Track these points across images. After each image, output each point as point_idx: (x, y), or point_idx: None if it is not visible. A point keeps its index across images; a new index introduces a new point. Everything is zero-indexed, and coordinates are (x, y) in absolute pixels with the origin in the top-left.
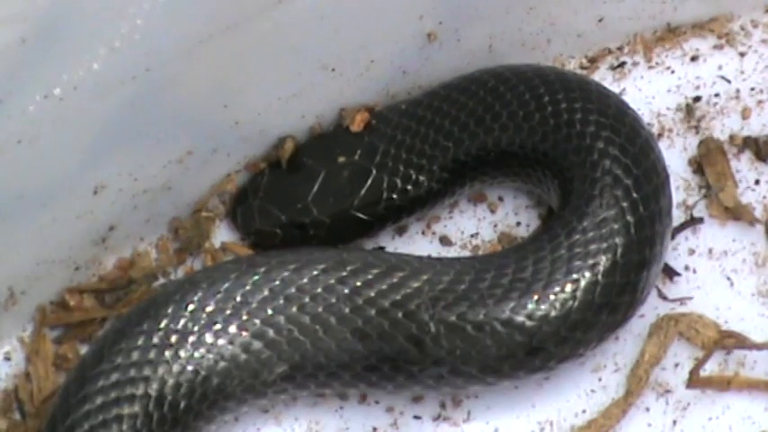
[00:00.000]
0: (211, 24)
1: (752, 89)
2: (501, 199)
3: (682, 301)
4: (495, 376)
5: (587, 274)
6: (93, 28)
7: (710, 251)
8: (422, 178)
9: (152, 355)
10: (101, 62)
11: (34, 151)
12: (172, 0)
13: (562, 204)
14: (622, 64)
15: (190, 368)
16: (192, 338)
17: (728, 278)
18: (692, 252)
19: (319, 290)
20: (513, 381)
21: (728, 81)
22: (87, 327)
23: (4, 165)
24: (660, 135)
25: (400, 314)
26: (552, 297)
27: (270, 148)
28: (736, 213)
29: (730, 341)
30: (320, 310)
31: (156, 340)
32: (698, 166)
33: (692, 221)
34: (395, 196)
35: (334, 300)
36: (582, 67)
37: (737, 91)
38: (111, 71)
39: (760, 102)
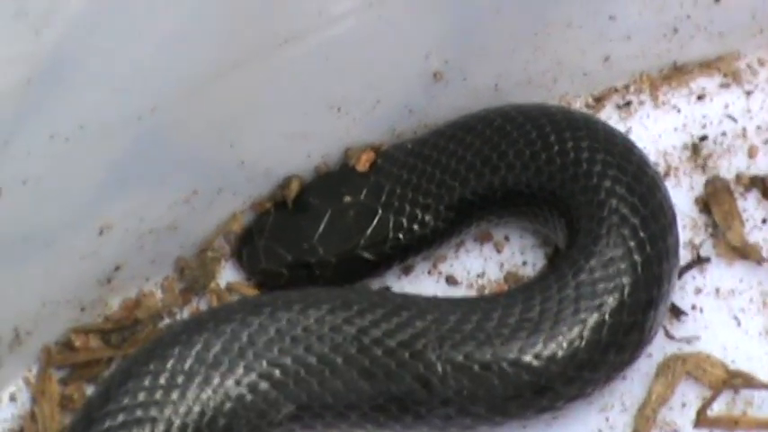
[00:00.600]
0: (217, 64)
1: (758, 128)
2: (507, 238)
3: (689, 340)
4: (502, 416)
5: (595, 314)
6: (99, 68)
7: (717, 290)
8: (428, 218)
9: (159, 395)
10: (106, 102)
11: (39, 192)
12: (176, 40)
13: (569, 243)
14: (628, 103)
15: (197, 409)
16: (198, 379)
17: (736, 317)
18: (698, 291)
19: (326, 330)
20: (520, 420)
21: (735, 120)
22: (93, 367)
23: (9, 205)
24: (667, 174)
25: (407, 354)
26: (560, 337)
27: (275, 187)
28: (744, 252)
29: (738, 381)
30: (327, 350)
31: (162, 381)
32: (704, 205)
33: (699, 261)
34: (401, 236)
35: (340, 340)
36: (588, 106)
37: (744, 130)
38: (116, 111)
39: (766, 140)
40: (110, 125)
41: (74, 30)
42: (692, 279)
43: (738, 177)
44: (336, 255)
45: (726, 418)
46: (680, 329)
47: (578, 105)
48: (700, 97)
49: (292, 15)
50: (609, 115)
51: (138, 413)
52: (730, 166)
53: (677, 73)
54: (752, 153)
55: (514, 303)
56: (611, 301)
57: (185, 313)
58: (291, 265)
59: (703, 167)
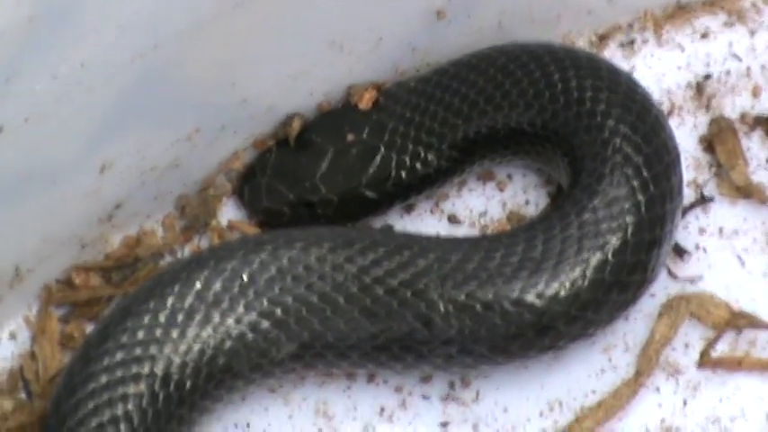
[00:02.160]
0: (219, 2)
1: (763, 67)
2: (510, 177)
3: (692, 280)
4: (504, 356)
5: (597, 254)
6: (101, 5)
7: (721, 230)
8: (430, 156)
9: (158, 333)
10: (108, 40)
11: (41, 130)
12: None
13: (572, 183)
14: (632, 41)
15: (196, 347)
16: (198, 317)
17: (739, 257)
18: (702, 231)
19: (327, 269)
20: (522, 360)
21: (739, 59)
22: (94, 305)
23: (10, 144)
24: (670, 113)
25: (409, 293)
26: (562, 276)
27: (277, 125)
28: (747, 192)
29: (741, 321)
30: (328, 289)
31: (162, 319)
32: (708, 144)
33: (703, 200)
34: (403, 174)
35: (342, 279)
36: (591, 44)
37: (748, 69)
38: (118, 49)
39: None
40: (112, 63)
41: None
42: (696, 219)
43: (743, 116)
44: (338, 193)
45: (729, 359)
46: (683, 269)
47: (582, 43)
48: (703, 36)
49: None
50: (612, 54)
51: (138, 351)
52: (734, 106)
53: (681, 11)
54: (756, 92)
55: (517, 243)
56: (614, 240)
57: (186, 251)
58: (293, 203)
59: (707, 106)
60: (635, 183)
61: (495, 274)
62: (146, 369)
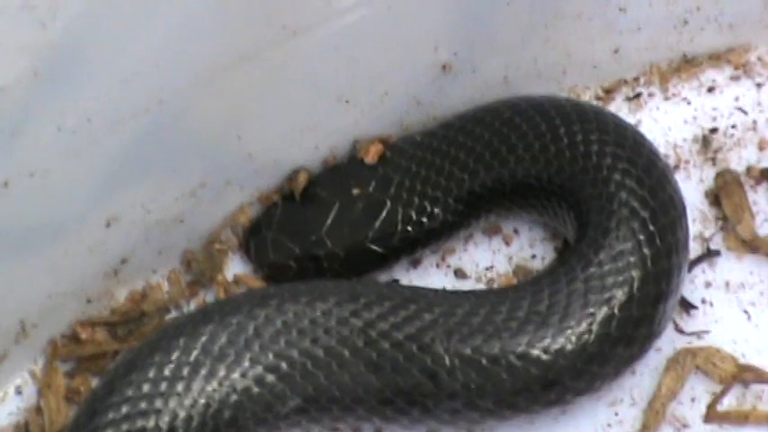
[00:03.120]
0: (225, 56)
1: None
2: (516, 231)
3: (699, 334)
4: (510, 410)
5: (603, 308)
6: (106, 60)
7: (727, 284)
8: (437, 210)
9: (163, 387)
10: (114, 94)
11: (46, 184)
12: (185, 32)
13: (578, 237)
14: (638, 95)
15: (201, 401)
16: (203, 371)
17: (746, 311)
18: (708, 285)
19: (333, 323)
20: (528, 415)
21: (745, 112)
22: (99, 360)
23: (16, 197)
24: (676, 167)
25: (415, 347)
26: (568, 330)
27: (283, 180)
28: (754, 246)
29: (748, 375)
30: (334, 343)
31: (167, 373)
32: (715, 198)
33: (709, 254)
34: (410, 228)
35: (347, 333)
36: (597, 98)
37: (754, 122)
38: (123, 103)
39: None
40: (117, 117)
41: (81, 22)
42: (702, 272)
43: (749, 170)
44: (345, 247)
45: (736, 413)
46: (690, 323)
47: (588, 97)
48: (710, 89)
49: (301, 7)
50: (618, 107)
51: (143, 405)
52: (740, 159)
53: (687, 65)
54: (762, 146)
55: (523, 297)
56: (620, 294)
57: (192, 306)
58: (299, 257)
59: (713, 160)
60: (641, 237)
61: (501, 328)
62: (151, 423)
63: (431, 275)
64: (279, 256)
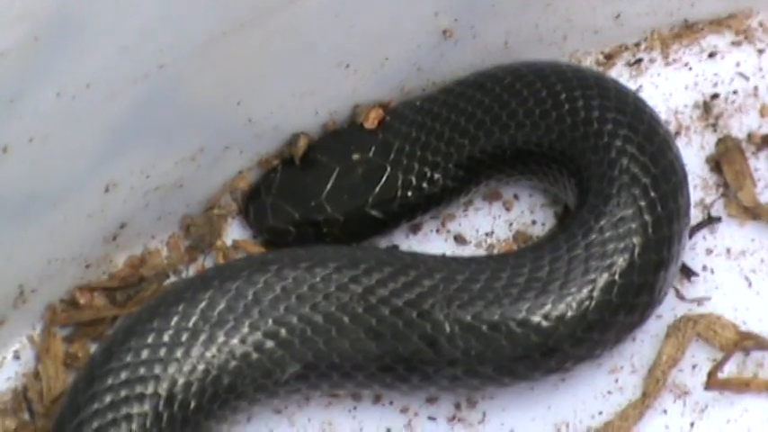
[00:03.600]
0: (225, 21)
1: None
2: (516, 197)
3: (699, 301)
4: (510, 377)
5: (604, 274)
6: (106, 25)
7: (728, 251)
8: (437, 176)
9: (162, 353)
10: (113, 60)
11: (46, 150)
12: None
13: (579, 203)
14: (639, 60)
15: (201, 367)
16: (202, 337)
17: (747, 278)
18: (709, 252)
19: (332, 289)
20: (528, 382)
21: (747, 78)
22: (98, 325)
23: (15, 164)
24: (677, 133)
25: (414, 313)
26: (569, 297)
27: (283, 145)
28: (755, 213)
29: (749, 342)
30: (333, 309)
31: (166, 338)
32: (716, 164)
33: (710, 221)
34: (409, 194)
35: (347, 299)
36: (598, 64)
37: (756, 88)
38: (123, 69)
39: None
40: (116, 83)
41: None
42: (703, 239)
43: (750, 136)
44: (344, 212)
45: (736, 380)
46: (690, 290)
47: (588, 63)
48: (711, 55)
49: None
50: (619, 73)
51: (141, 371)
52: (742, 125)
53: (688, 30)
54: (763, 112)
55: (523, 263)
56: (621, 261)
57: (191, 271)
58: (299, 222)
59: (714, 126)
60: (642, 203)
61: (501, 294)
62: (149, 389)
63: (430, 241)
64: (278, 220)
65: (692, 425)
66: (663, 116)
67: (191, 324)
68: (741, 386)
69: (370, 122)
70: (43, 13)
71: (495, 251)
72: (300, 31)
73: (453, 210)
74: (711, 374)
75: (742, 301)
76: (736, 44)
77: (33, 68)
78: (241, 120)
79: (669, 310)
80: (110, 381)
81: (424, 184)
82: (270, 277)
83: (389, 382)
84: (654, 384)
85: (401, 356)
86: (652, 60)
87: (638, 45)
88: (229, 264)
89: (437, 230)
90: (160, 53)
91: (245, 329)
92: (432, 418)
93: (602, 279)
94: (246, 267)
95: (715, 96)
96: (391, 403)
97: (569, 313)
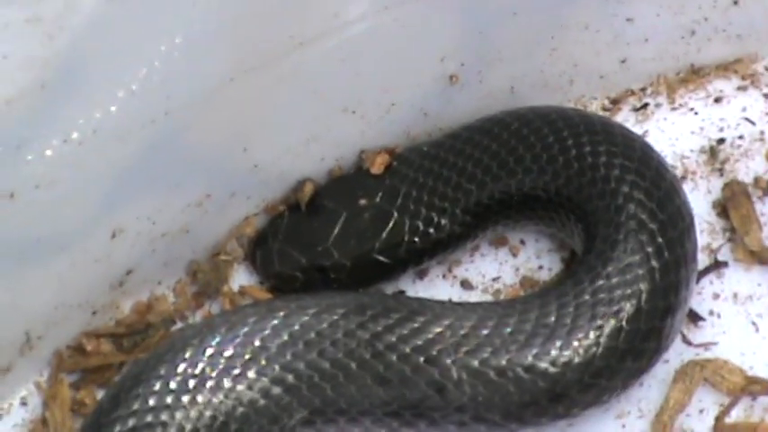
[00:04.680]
0: (231, 67)
1: None
2: (523, 242)
3: (706, 346)
4: (517, 423)
5: (611, 321)
6: (112, 71)
7: (735, 296)
8: (444, 221)
9: (169, 400)
10: (120, 106)
11: (52, 195)
12: (191, 43)
13: (586, 249)
14: (645, 105)
15: (208, 414)
16: (210, 383)
17: (754, 323)
18: (716, 296)
19: (339, 335)
20: (536, 428)
21: (753, 123)
22: (105, 372)
23: (22, 209)
24: (684, 178)
25: (422, 359)
26: (576, 343)
27: (289, 190)
28: (762, 257)
29: (756, 387)
30: (340, 355)
31: (173, 385)
32: (722, 209)
33: (717, 265)
34: (416, 239)
35: (354, 345)
36: (604, 109)
37: (762, 133)
38: (129, 115)
39: None
40: (123, 129)
41: (87, 34)
42: (710, 284)
43: (756, 181)
44: (351, 258)
45: (744, 426)
46: (697, 335)
47: (594, 108)
48: (717, 100)
49: (308, 18)
50: (625, 118)
51: (149, 418)
52: (748, 170)
53: (694, 75)
54: None
55: (530, 309)
56: (628, 307)
57: (198, 317)
58: (306, 268)
59: (721, 171)
60: (649, 249)
61: (508, 340)
62: None
63: (437, 287)
64: (285, 266)
65: None
66: (669, 161)
67: (198, 370)
68: (749, 431)
69: (377, 168)
70: (50, 60)
71: (502, 296)
72: (306, 76)
73: (460, 255)
74: (719, 419)
75: (749, 346)
76: (742, 89)
77: (40, 115)
78: (247, 166)
79: (676, 354)
80: (117, 428)
81: (431, 230)
82: (277, 323)
83: (397, 428)
84: (661, 429)
85: (408, 402)
86: (658, 105)
87: (644, 90)
88: (236, 310)
89: (444, 276)
90: (167, 99)
91: (253, 376)
92: None
93: (610, 325)
94: (254, 314)
95: (721, 141)
96: None
97: (577, 359)
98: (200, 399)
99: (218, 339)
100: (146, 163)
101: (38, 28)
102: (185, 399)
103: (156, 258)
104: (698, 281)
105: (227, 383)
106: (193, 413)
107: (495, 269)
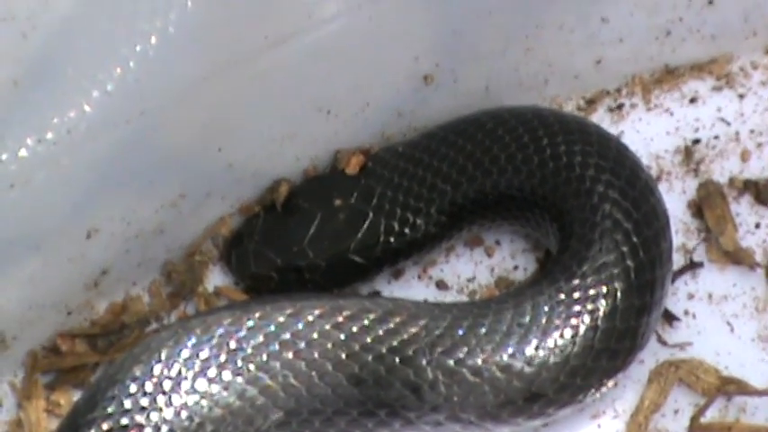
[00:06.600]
0: (205, 67)
1: (751, 131)
2: (498, 243)
3: (681, 346)
4: (493, 423)
5: (587, 320)
6: (86, 70)
7: (710, 296)
8: (419, 221)
9: (145, 402)
10: (94, 105)
11: (26, 195)
12: (165, 42)
13: (561, 248)
14: (620, 106)
15: (184, 415)
16: (185, 385)
17: (729, 323)
18: (691, 297)
19: (315, 336)
20: (511, 427)
21: (728, 123)
22: (80, 372)
23: None
24: (659, 178)
25: (397, 360)
26: (551, 343)
27: (264, 191)
28: (737, 257)
29: (731, 387)
30: (316, 355)
31: (149, 387)
32: (697, 209)
33: (692, 266)
34: (392, 239)
35: (329, 345)
36: (579, 109)
37: (737, 133)
38: (104, 114)
39: (760, 144)
40: (98, 129)
41: (61, 33)
42: (685, 284)
43: (731, 181)
44: (326, 258)
45: (719, 425)
46: (673, 335)
47: (570, 108)
48: (692, 100)
49: (281, 17)
50: (601, 118)
51: (125, 420)
52: (723, 170)
53: (669, 76)
54: (745, 157)
55: (505, 309)
56: (603, 306)
57: (173, 318)
58: (281, 268)
59: (696, 171)
60: (624, 248)
61: (483, 340)
62: None
63: (412, 287)
64: (260, 267)
65: None
66: (644, 161)
67: (173, 372)
68: (723, 431)
69: (352, 168)
70: (23, 58)
71: (477, 297)
72: (280, 76)
73: (435, 255)
74: (694, 420)
75: (724, 346)
76: (717, 89)
77: (14, 115)
78: (222, 165)
79: (651, 355)
80: (93, 430)
81: (407, 230)
82: (252, 325)
83: (372, 429)
84: (636, 429)
85: (383, 402)
86: (633, 106)
87: (619, 90)
88: (212, 311)
89: (419, 276)
90: (141, 99)
91: (229, 377)
92: None
93: (585, 324)
94: (229, 315)
95: (696, 141)
96: None
97: (552, 359)
98: (175, 400)
99: (193, 341)
100: (120, 163)
101: (11, 26)
102: (161, 400)
103: (131, 259)
104: (673, 281)
105: (202, 385)
106: (169, 415)
107: (470, 269)
